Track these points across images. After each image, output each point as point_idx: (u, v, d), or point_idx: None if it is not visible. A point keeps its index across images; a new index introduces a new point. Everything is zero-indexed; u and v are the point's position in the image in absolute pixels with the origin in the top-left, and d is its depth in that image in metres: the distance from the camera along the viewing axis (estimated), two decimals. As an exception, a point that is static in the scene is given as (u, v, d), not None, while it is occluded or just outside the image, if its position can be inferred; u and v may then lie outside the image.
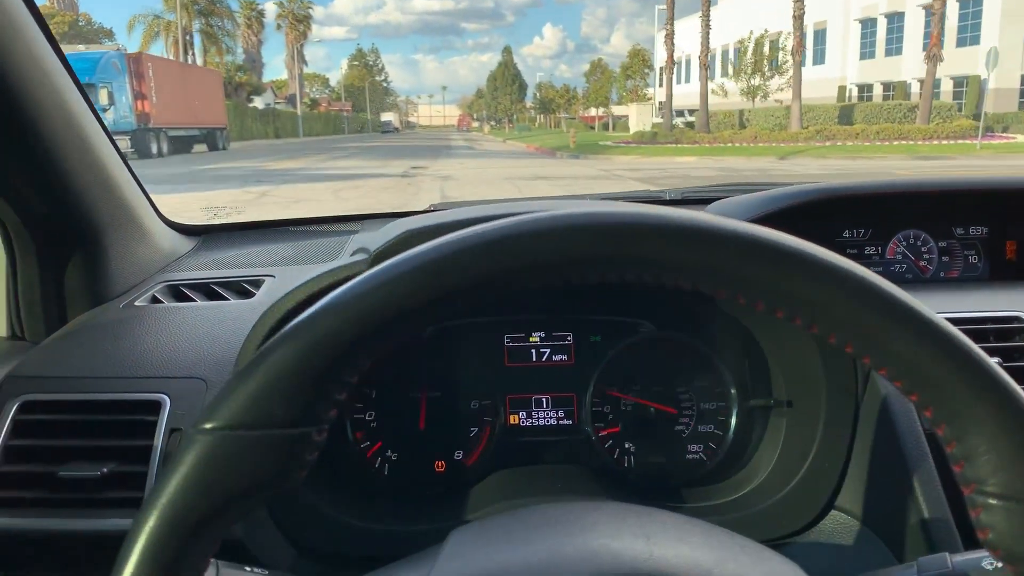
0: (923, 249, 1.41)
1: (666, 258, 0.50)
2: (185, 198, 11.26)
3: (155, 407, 1.00)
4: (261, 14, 66.25)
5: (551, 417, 1.20)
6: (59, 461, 0.98)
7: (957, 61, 35.68)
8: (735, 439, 1.18)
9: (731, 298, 0.50)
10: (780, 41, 34.10)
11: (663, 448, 1.18)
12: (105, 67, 25.90)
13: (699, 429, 1.19)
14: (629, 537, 0.53)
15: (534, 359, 1.20)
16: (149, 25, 52.78)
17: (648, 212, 0.51)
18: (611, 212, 0.51)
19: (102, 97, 24.72)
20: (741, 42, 35.46)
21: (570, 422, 1.19)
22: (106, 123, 1.30)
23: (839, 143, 25.95)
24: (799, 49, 29.84)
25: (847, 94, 44.71)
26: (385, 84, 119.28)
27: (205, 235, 1.66)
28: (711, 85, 34.28)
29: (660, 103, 50.91)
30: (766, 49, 34.54)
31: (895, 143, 24.85)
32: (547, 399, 1.20)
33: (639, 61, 52.03)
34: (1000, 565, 0.56)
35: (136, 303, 1.28)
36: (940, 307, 1.08)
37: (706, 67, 33.62)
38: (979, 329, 1.06)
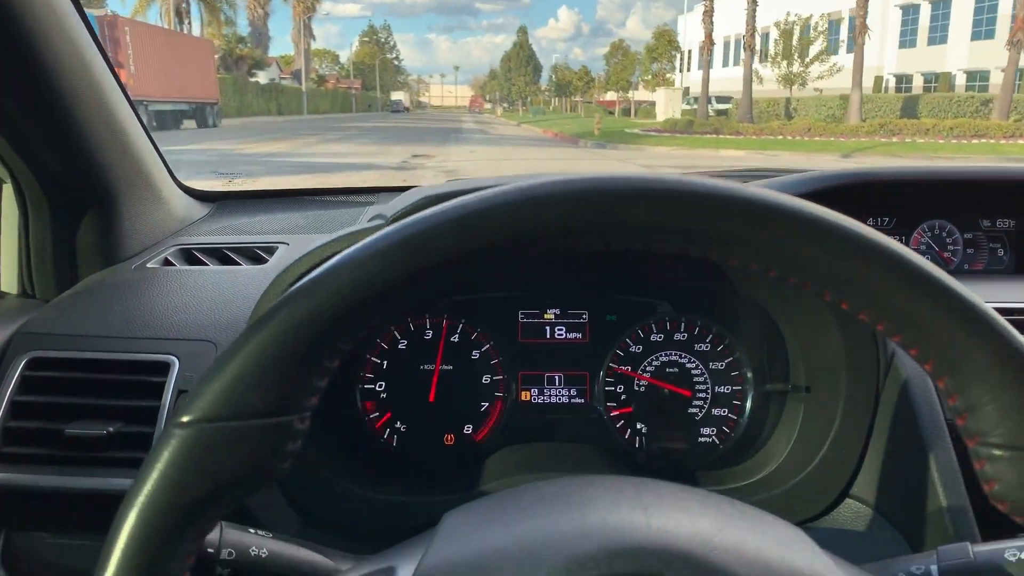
0: (948, 240, 1.39)
1: (673, 223, 0.51)
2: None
3: (164, 368, 1.01)
4: (267, -18, 62.38)
5: (563, 395, 1.20)
6: (66, 419, 0.99)
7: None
8: (749, 423, 1.17)
9: (743, 264, 0.51)
10: (820, 25, 30.24)
11: (675, 430, 1.19)
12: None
13: (713, 412, 1.19)
14: (626, 509, 0.52)
15: (548, 336, 1.20)
16: (143, -11, 48.91)
17: (653, 176, 0.51)
18: (611, 177, 0.52)
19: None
20: (779, 25, 31.58)
21: (582, 400, 1.20)
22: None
23: (907, 139, 22.89)
24: (863, 30, 26.14)
25: (883, 85, 41.02)
26: (396, 62, 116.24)
27: (219, 202, 1.66)
28: (741, 71, 30.47)
29: (686, 88, 46.94)
30: (802, 33, 32.19)
31: (973, 142, 21.70)
32: (560, 376, 1.20)
33: (666, 42, 48.08)
34: None
35: (148, 265, 1.28)
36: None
37: (751, 49, 29.87)
38: (1009, 321, 1.06)
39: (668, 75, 49.79)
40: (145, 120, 1.37)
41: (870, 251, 0.50)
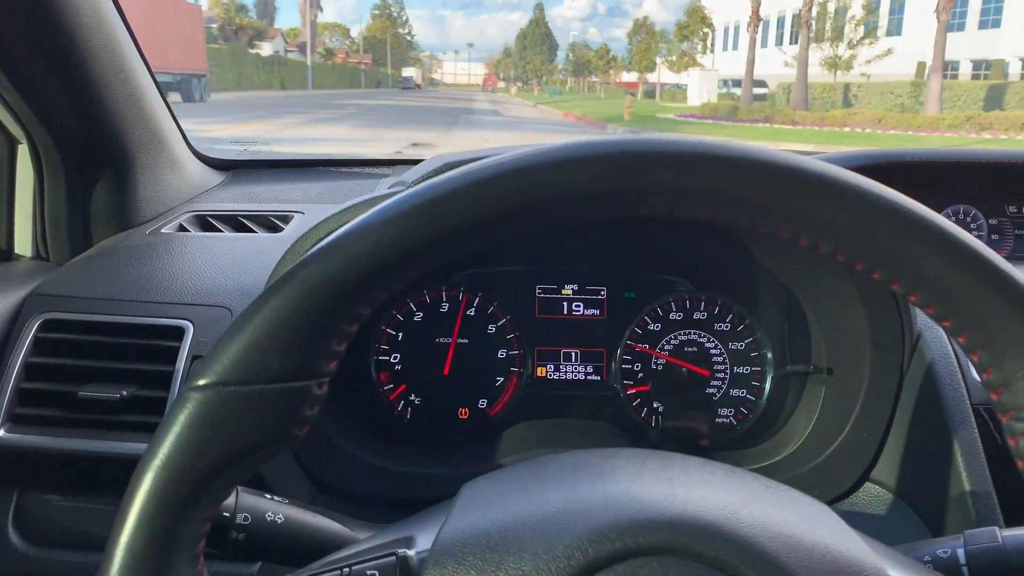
0: (972, 225, 1.37)
1: (685, 187, 0.50)
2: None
3: (178, 333, 1.02)
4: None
5: (579, 371, 1.20)
6: (80, 382, 1.01)
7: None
8: (768, 405, 1.18)
9: (751, 225, 0.51)
10: (870, 4, 26.13)
11: (693, 409, 1.19)
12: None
13: (731, 393, 1.19)
14: (650, 481, 0.51)
15: (565, 312, 1.20)
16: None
17: (663, 140, 0.51)
18: (613, 141, 0.51)
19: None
20: (823, 4, 27.47)
21: (598, 378, 1.20)
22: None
23: (1002, 135, 19.25)
24: (947, 6, 21.87)
25: (925, 71, 36.69)
26: (409, 37, 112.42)
27: (234, 170, 1.67)
28: (776, 53, 26.59)
29: (711, 69, 42.67)
30: (846, 11, 26.71)
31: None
32: (576, 353, 1.20)
33: (698, 20, 43.98)
34: None
35: (163, 230, 1.30)
36: None
37: (807, 25, 25.87)
38: None
39: (698, 56, 45.58)
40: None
41: (906, 220, 0.49)
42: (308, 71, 60.32)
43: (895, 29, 38.55)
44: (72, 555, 1.03)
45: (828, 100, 30.01)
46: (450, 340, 1.18)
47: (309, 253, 0.50)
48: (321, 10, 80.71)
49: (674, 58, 50.09)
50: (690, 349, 1.19)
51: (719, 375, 1.19)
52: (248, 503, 0.65)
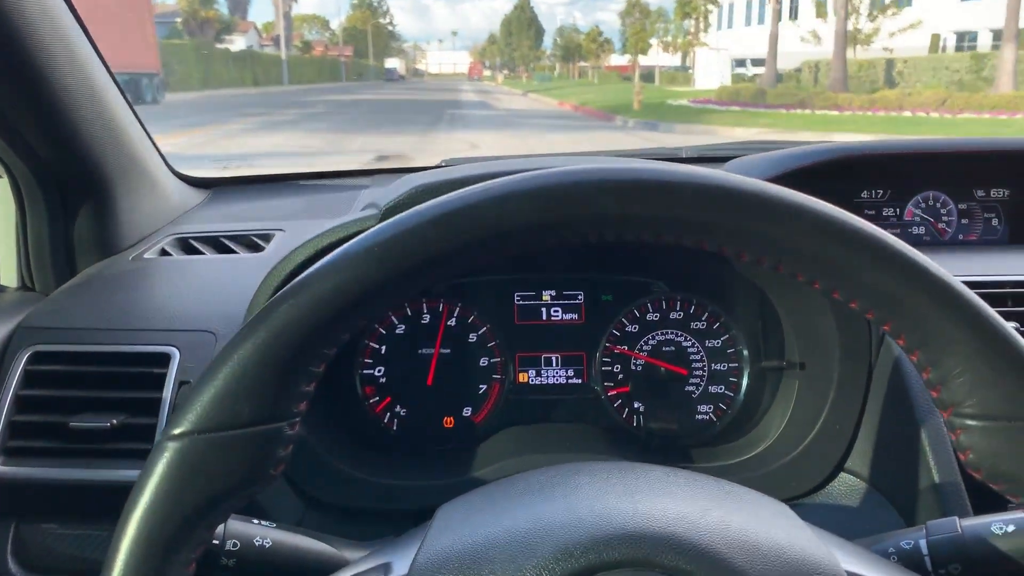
0: (942, 211, 1.40)
1: (628, 213, 0.53)
2: None
3: (164, 359, 1.04)
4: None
5: (560, 376, 1.22)
6: (70, 412, 1.02)
7: None
8: (746, 400, 1.21)
9: (696, 245, 0.54)
10: None
11: (672, 408, 1.22)
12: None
13: (710, 390, 1.22)
14: (614, 497, 0.54)
15: (544, 317, 1.22)
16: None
17: (606, 169, 0.53)
18: (561, 172, 0.53)
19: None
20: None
21: (580, 381, 1.22)
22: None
23: None
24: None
25: (940, 44, 32.84)
26: (391, 27, 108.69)
27: (215, 188, 1.67)
28: (790, 27, 22.95)
29: (719, 48, 38.46)
30: None
31: None
32: (557, 358, 1.22)
33: (702, -6, 40.16)
34: (1011, 529, 0.63)
35: (145, 255, 1.30)
36: (957, 270, 1.09)
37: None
38: (997, 293, 1.09)
39: (701, 34, 41.65)
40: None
41: (838, 231, 0.51)
42: (283, 65, 56.43)
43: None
44: None
45: (867, 80, 26.33)
46: (432, 351, 1.20)
47: (274, 298, 0.52)
48: (296, 1, 76.68)
49: (670, 38, 46.35)
50: (668, 349, 1.21)
51: (697, 373, 1.21)
52: (236, 529, 0.67)
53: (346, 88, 52.04)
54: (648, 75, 51.25)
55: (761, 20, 39.97)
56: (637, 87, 25.02)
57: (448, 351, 1.20)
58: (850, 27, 25.94)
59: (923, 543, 0.65)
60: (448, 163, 1.60)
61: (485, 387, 1.21)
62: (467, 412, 1.21)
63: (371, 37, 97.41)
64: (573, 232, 0.54)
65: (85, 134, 1.20)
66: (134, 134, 1.34)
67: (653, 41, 52.64)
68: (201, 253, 1.32)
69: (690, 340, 1.21)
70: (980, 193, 1.40)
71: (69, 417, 1.00)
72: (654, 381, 1.21)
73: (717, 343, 1.21)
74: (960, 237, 1.40)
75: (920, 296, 0.51)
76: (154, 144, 1.45)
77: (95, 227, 1.30)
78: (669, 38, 48.61)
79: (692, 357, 1.21)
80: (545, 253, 0.77)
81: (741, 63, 35.27)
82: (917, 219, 1.40)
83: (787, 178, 1.27)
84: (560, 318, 1.22)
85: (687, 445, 1.19)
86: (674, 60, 56.10)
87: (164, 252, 1.32)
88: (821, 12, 28.24)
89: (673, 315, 1.21)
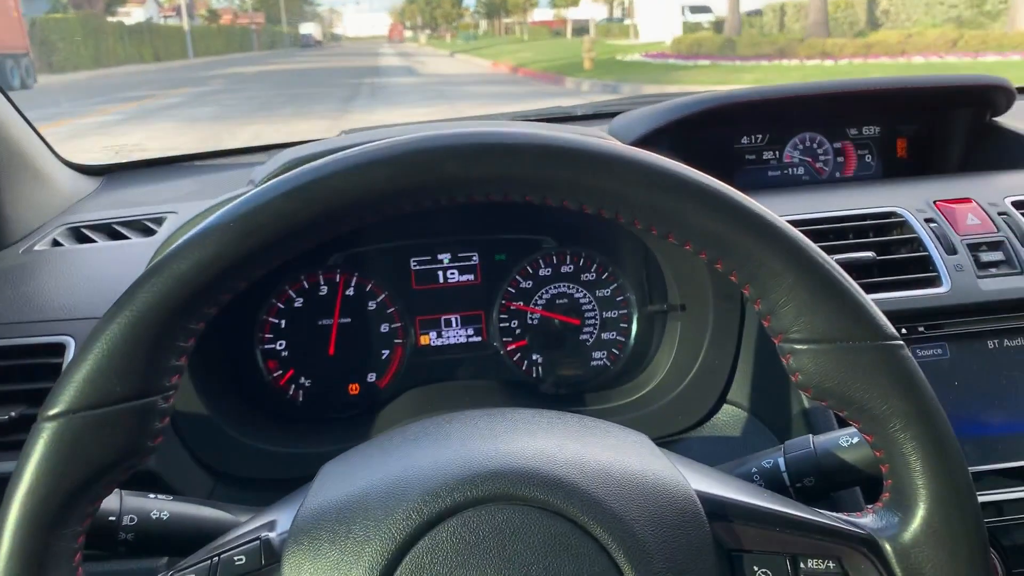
0: (819, 151, 1.45)
1: (473, 176, 0.56)
2: None
3: (60, 349, 1.03)
4: None
5: (461, 335, 1.25)
6: None
7: None
8: (636, 344, 1.26)
9: (540, 202, 0.57)
10: None
11: (569, 357, 1.26)
12: None
13: (602, 337, 1.26)
14: (479, 439, 0.58)
15: (441, 280, 1.25)
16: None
17: (448, 134, 0.56)
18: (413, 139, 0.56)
19: None
20: None
21: (479, 339, 1.26)
22: None
23: None
24: None
25: None
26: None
27: (108, 174, 1.64)
28: None
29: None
30: None
31: None
32: (456, 318, 1.25)
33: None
34: (856, 440, 0.70)
35: (36, 248, 1.28)
36: (831, 206, 1.17)
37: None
38: (860, 226, 1.14)
39: None
40: None
41: (663, 179, 0.56)
42: (187, 37, 51.55)
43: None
44: None
45: (845, 22, 23.31)
46: (332, 321, 1.21)
47: (138, 278, 0.55)
48: (198, -35, 70.97)
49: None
50: (561, 301, 1.25)
51: (590, 322, 1.25)
52: (133, 504, 0.68)
53: (255, 58, 47.81)
54: (582, 29, 47.95)
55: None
56: (587, 44, 20.90)
57: (348, 320, 1.21)
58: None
59: (781, 461, 0.72)
60: (348, 132, 1.59)
61: (388, 352, 1.23)
62: (371, 378, 1.23)
63: (283, 2, 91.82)
64: (425, 197, 0.56)
65: None
66: (12, 126, 1.33)
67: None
68: (93, 241, 1.30)
69: (581, 291, 1.25)
70: (853, 132, 1.45)
71: None
72: (550, 333, 1.25)
73: (607, 292, 1.25)
74: (837, 175, 1.46)
75: (743, 234, 0.55)
76: (38, 134, 1.43)
77: None
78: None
79: (584, 307, 1.25)
80: (424, 217, 0.85)
81: (697, 10, 32.03)
82: (796, 160, 1.44)
83: (668, 129, 1.31)
84: (457, 280, 1.24)
85: (584, 391, 1.23)
86: (601, 11, 52.72)
87: (56, 243, 1.29)
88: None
89: (564, 268, 1.25)
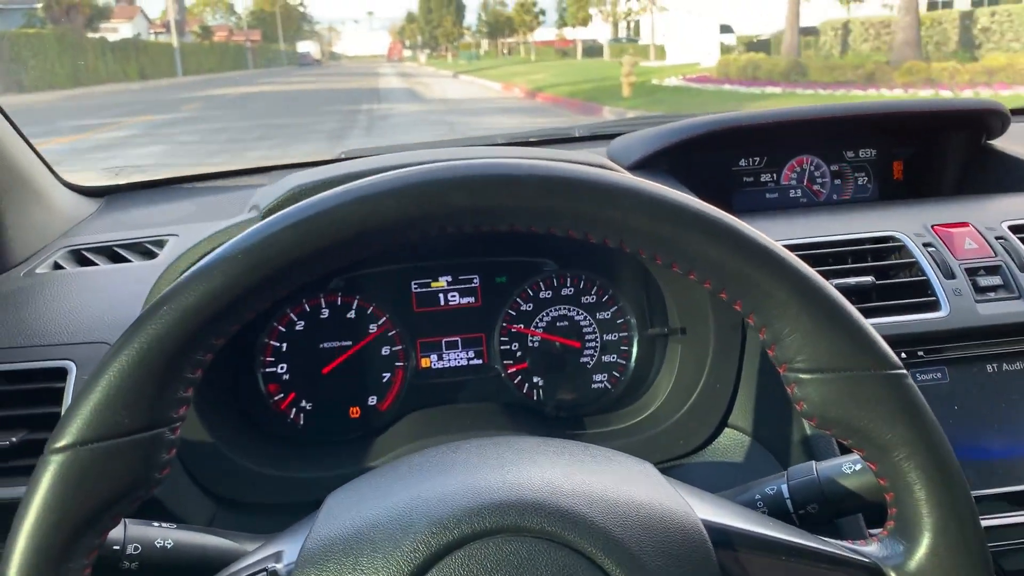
0: (816, 173, 1.45)
1: (478, 206, 0.56)
2: None
3: (61, 374, 1.02)
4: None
5: (461, 358, 1.25)
6: None
7: None
8: (637, 367, 1.25)
9: (545, 231, 0.58)
10: None
11: (570, 380, 1.26)
12: None
13: (603, 359, 1.25)
14: (485, 470, 0.57)
15: (442, 303, 1.24)
16: None
17: (454, 166, 0.56)
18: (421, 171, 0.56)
19: None
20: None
21: (480, 361, 1.25)
22: None
23: None
24: None
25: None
26: (302, 8, 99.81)
27: (109, 196, 1.62)
28: None
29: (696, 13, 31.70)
30: None
31: None
32: (457, 341, 1.25)
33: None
34: (859, 467, 0.70)
35: (37, 271, 1.27)
36: (828, 230, 1.17)
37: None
38: (859, 250, 1.14)
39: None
40: None
41: (666, 209, 0.56)
42: (176, 54, 48.51)
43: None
44: None
45: (930, 42, 19.91)
46: (334, 344, 1.20)
47: (145, 310, 0.54)
48: (189, -20, 68.13)
49: (609, 7, 40.20)
50: (562, 324, 1.24)
51: (590, 344, 1.25)
52: (136, 533, 0.67)
53: (246, 78, 44.64)
54: (592, 49, 44.93)
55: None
56: (627, 65, 16.96)
57: (349, 343, 1.21)
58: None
59: (784, 488, 0.72)
60: (348, 155, 1.58)
61: (389, 375, 1.22)
62: (372, 401, 1.22)
63: (280, 19, 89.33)
64: (431, 227, 0.56)
65: None
66: (13, 148, 1.32)
67: (593, 11, 46.33)
68: (95, 264, 1.30)
69: (582, 314, 1.24)
70: (850, 154, 1.45)
71: None
72: (551, 356, 1.24)
73: (607, 315, 1.24)
74: (834, 197, 1.46)
75: (746, 264, 0.55)
76: (38, 155, 1.42)
77: None
78: (608, 7, 42.52)
79: (585, 330, 1.24)
80: (425, 240, 0.76)
81: (726, 29, 29.02)
82: (793, 183, 1.44)
83: (667, 152, 1.31)
84: (458, 302, 1.24)
85: (585, 414, 1.23)
86: (604, 32, 49.77)
87: (57, 266, 1.29)
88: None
89: (564, 291, 1.24)
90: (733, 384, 1.11)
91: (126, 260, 1.28)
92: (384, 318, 1.21)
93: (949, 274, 1.07)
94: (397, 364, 1.22)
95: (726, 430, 1.13)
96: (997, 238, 1.11)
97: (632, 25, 47.12)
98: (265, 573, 0.56)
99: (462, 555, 0.51)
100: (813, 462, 0.73)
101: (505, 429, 1.16)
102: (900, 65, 16.10)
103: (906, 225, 1.14)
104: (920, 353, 1.02)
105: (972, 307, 1.03)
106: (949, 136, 1.43)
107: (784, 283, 0.54)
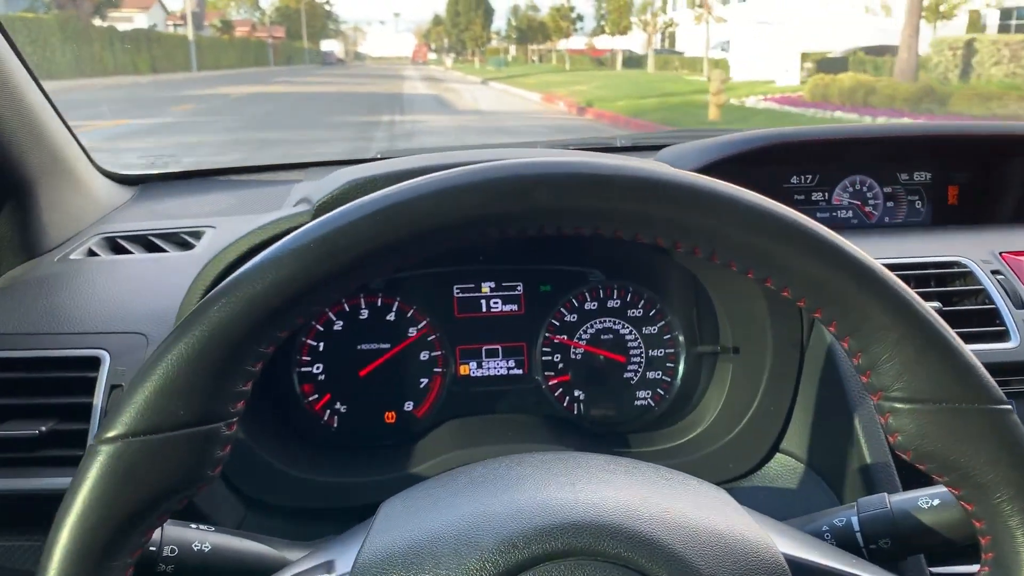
0: (869, 194, 1.42)
1: (564, 206, 0.52)
2: None
3: (94, 363, 0.99)
4: None
5: (501, 367, 1.21)
6: None
7: None
8: (682, 385, 1.21)
9: (631, 237, 0.54)
10: None
11: (612, 395, 1.22)
12: None
13: (647, 376, 1.22)
14: (555, 487, 0.54)
15: (484, 310, 1.21)
16: None
17: (541, 161, 0.53)
18: (503, 165, 0.53)
19: None
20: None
21: (520, 371, 1.21)
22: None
23: None
24: None
25: (982, 22, 24.03)
26: (328, 6, 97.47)
27: (143, 184, 1.59)
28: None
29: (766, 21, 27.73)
30: None
31: None
32: (497, 349, 1.21)
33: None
34: (936, 503, 0.66)
35: (72, 256, 1.25)
36: (884, 252, 1.14)
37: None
38: (922, 275, 1.12)
39: (719, 6, 31.78)
40: None
41: (768, 221, 0.52)
42: (190, 47, 45.70)
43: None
44: None
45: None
46: (371, 346, 1.17)
47: (208, 297, 0.51)
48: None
49: (649, 16, 37.14)
50: (606, 336, 1.20)
51: (635, 359, 1.21)
52: (174, 534, 0.65)
53: (263, 75, 42.12)
54: (631, 59, 41.59)
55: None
56: (716, 82, 13.65)
57: (388, 346, 1.17)
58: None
59: (854, 520, 0.67)
60: (385, 155, 1.52)
61: (426, 381, 1.19)
62: (409, 406, 1.18)
63: (305, 17, 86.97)
64: (510, 226, 0.53)
65: (3, 133, 1.15)
66: (56, 131, 1.30)
67: (634, 20, 43.13)
68: (129, 252, 1.27)
69: (627, 327, 1.21)
70: (904, 176, 1.41)
71: None
72: (593, 369, 1.21)
73: (654, 329, 1.21)
74: (886, 219, 1.42)
75: (849, 284, 0.51)
76: (77, 141, 1.39)
77: (18, 228, 1.25)
78: (648, 16, 39.44)
79: (630, 344, 1.21)
80: (483, 246, 0.79)
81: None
82: (845, 203, 1.41)
83: (719, 165, 1.28)
84: (500, 310, 1.20)
85: (627, 431, 1.19)
86: (633, 42, 46.52)
87: (91, 252, 1.26)
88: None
89: (610, 303, 1.21)
90: (788, 407, 1.07)
91: (161, 250, 1.26)
92: (424, 322, 1.17)
93: (1020, 303, 1.04)
94: (436, 370, 1.18)
95: (777, 455, 1.08)
96: None
97: (668, 36, 43.80)
98: None
99: None
100: (885, 494, 0.69)
101: (545, 443, 1.12)
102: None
103: (971, 251, 1.12)
104: None
105: None
106: (1010, 162, 1.39)
107: (887, 307, 0.51)
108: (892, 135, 1.37)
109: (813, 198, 1.39)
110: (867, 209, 1.40)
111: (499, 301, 1.19)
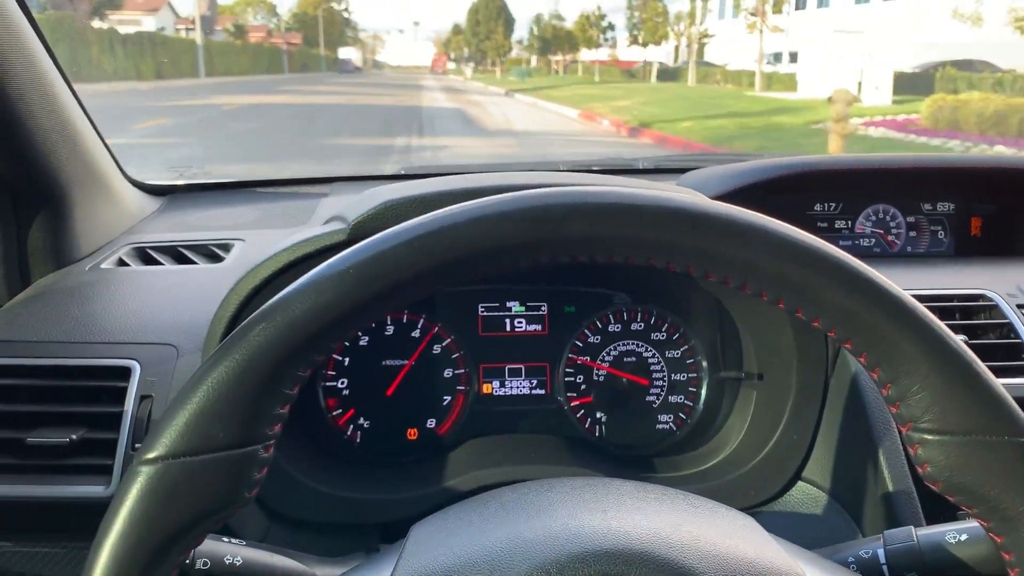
0: (891, 224, 1.41)
1: (597, 235, 0.53)
2: None
3: (125, 373, 1.00)
4: None
5: (524, 386, 1.20)
6: (27, 427, 0.98)
7: None
8: (705, 410, 1.21)
9: (663, 266, 0.54)
10: None
11: (634, 418, 1.21)
12: None
13: (670, 400, 1.21)
14: (587, 513, 0.54)
15: (508, 329, 1.21)
16: None
17: (573, 192, 0.54)
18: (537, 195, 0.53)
19: None
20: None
21: (543, 392, 1.21)
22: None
23: None
24: None
25: None
26: (346, 14, 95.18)
27: (171, 195, 1.61)
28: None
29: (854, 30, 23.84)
30: None
31: None
32: (521, 368, 1.21)
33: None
34: (964, 538, 0.65)
35: (102, 266, 1.26)
36: (907, 283, 1.15)
37: None
38: (946, 307, 1.11)
39: (775, 16, 28.56)
40: None
41: (800, 252, 0.52)
42: (198, 52, 42.96)
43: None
44: None
45: None
46: (396, 362, 1.17)
47: (248, 320, 0.51)
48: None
49: (683, 27, 34.22)
50: (629, 359, 1.20)
51: (657, 383, 1.20)
52: (206, 548, 0.65)
53: (273, 83, 38.77)
54: (666, 72, 38.45)
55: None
56: (840, 108, 11.03)
57: (412, 362, 1.18)
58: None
59: (881, 552, 0.67)
60: (408, 170, 1.52)
61: (449, 398, 1.19)
62: (431, 424, 1.18)
63: (322, 24, 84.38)
64: (542, 254, 0.53)
65: (40, 143, 1.16)
66: (89, 141, 1.30)
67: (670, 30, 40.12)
68: (159, 263, 1.28)
69: (651, 351, 1.20)
70: (927, 207, 1.40)
71: (26, 433, 0.96)
72: (616, 391, 1.20)
73: (677, 353, 1.20)
74: (909, 249, 1.42)
75: (880, 316, 0.51)
76: (109, 151, 1.40)
77: (49, 237, 1.25)
78: (682, 26, 36.40)
79: (653, 367, 1.20)
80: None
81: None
82: (867, 232, 1.40)
83: (742, 192, 1.27)
84: (524, 329, 1.20)
85: (648, 455, 1.18)
86: (658, 53, 43.42)
87: (122, 262, 1.27)
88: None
89: (634, 326, 1.20)
90: (811, 436, 1.06)
91: (190, 261, 1.27)
92: (449, 339, 1.17)
93: None
94: (459, 388, 1.18)
95: (799, 483, 1.08)
96: None
97: (697, 48, 40.57)
98: None
99: None
100: (912, 527, 0.69)
101: (566, 464, 1.11)
102: None
103: (996, 284, 1.11)
104: None
105: None
106: None
107: (918, 338, 0.51)
108: (915, 166, 1.37)
109: (836, 226, 1.40)
110: (890, 238, 1.41)
111: (523, 321, 1.19)
